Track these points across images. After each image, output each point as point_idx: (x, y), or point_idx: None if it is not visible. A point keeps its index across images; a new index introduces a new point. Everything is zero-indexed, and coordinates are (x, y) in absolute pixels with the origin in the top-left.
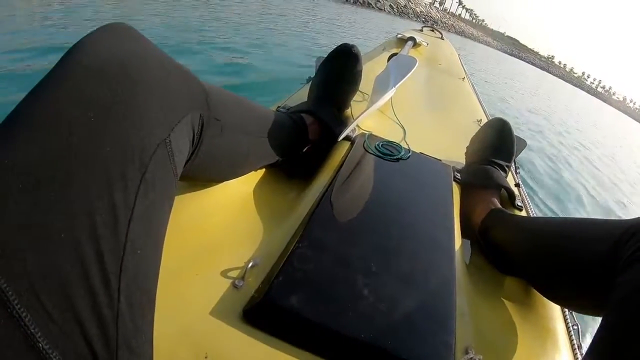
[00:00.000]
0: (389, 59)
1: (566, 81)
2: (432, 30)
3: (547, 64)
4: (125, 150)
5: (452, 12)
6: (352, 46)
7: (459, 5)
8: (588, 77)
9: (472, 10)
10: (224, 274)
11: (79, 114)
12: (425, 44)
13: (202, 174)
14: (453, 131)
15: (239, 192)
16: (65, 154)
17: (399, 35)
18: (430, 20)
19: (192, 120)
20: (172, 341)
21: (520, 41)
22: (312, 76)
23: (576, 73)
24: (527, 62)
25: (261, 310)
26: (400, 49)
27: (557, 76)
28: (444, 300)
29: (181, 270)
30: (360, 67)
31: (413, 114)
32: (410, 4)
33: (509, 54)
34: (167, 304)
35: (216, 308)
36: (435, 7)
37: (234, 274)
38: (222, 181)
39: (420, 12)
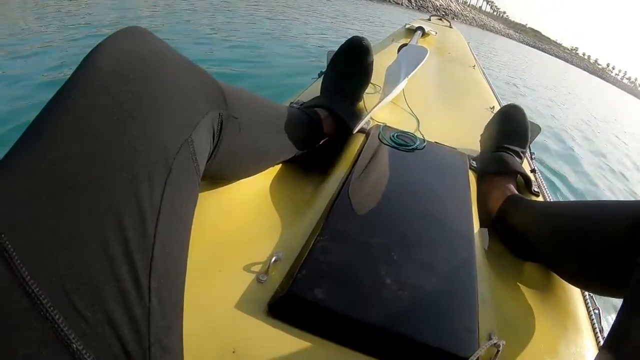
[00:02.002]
0: (399, 50)
1: (590, 73)
2: (441, 19)
3: (570, 56)
4: (149, 151)
5: (472, 5)
6: (362, 38)
7: None
8: (613, 69)
9: (492, 2)
10: (247, 269)
11: (103, 118)
12: (434, 33)
13: (222, 172)
14: (466, 119)
15: (257, 188)
16: (90, 158)
17: (408, 26)
18: (451, 13)
19: (212, 119)
20: (200, 337)
21: (543, 33)
22: (323, 70)
23: (600, 65)
24: (550, 54)
25: (286, 304)
26: (409, 39)
27: (581, 68)
28: (465, 287)
29: (205, 267)
30: (372, 59)
31: (426, 103)
32: None
33: (531, 46)
34: (193, 300)
35: (241, 303)
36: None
37: (257, 268)
38: (241, 178)
39: (440, 5)
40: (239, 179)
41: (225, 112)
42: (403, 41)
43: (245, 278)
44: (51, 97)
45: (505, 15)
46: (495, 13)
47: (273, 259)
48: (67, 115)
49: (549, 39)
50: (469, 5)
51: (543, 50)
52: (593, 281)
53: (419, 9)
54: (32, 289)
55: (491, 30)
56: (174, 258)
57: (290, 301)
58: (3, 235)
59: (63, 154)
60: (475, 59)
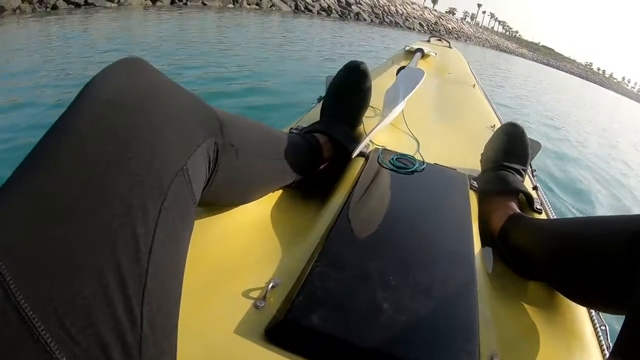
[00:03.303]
0: (397, 73)
1: (606, 87)
2: (440, 40)
3: (585, 72)
4: (144, 180)
5: (484, 26)
6: (361, 63)
7: (491, 18)
8: (629, 82)
9: (505, 22)
10: (245, 294)
11: (99, 147)
12: (434, 54)
13: (219, 198)
14: (467, 139)
15: (256, 213)
16: (86, 187)
17: (407, 48)
18: (464, 36)
19: (208, 148)
20: None
21: (556, 50)
22: (322, 95)
23: (616, 79)
24: (565, 71)
25: (283, 329)
26: (409, 62)
27: (596, 83)
28: (465, 309)
29: (202, 292)
30: (370, 83)
31: (426, 125)
32: (440, 20)
33: (545, 64)
34: (190, 326)
35: (238, 329)
36: (467, 22)
37: (255, 294)
38: (240, 205)
39: (452, 28)
40: (237, 206)
41: (222, 140)
42: (403, 63)
43: (243, 304)
44: (51, 125)
45: (518, 35)
46: (507, 33)
47: (270, 285)
48: (65, 144)
49: (563, 55)
50: (481, 27)
51: (557, 67)
52: (595, 298)
53: (430, 32)
54: (26, 312)
55: (505, 50)
56: (167, 285)
57: (287, 326)
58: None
59: (60, 183)
60: (475, 78)
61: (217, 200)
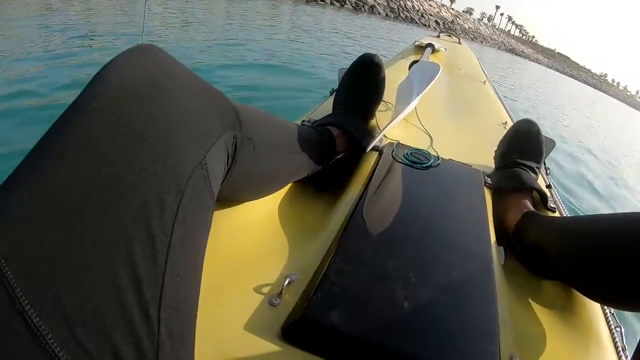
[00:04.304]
0: (410, 67)
1: (619, 100)
2: (450, 36)
3: (599, 82)
4: (161, 175)
5: (501, 29)
6: (374, 56)
7: (508, 21)
8: None
9: (522, 26)
10: (260, 291)
11: (113, 139)
12: (444, 50)
13: (235, 193)
14: (479, 135)
15: (268, 207)
16: (98, 181)
17: (417, 43)
18: (480, 37)
19: (226, 141)
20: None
21: (572, 58)
22: (335, 88)
23: (629, 92)
24: (579, 80)
25: (301, 328)
26: (419, 56)
27: (609, 95)
28: (485, 309)
29: (215, 288)
30: (383, 76)
31: (438, 120)
32: (457, 19)
33: (560, 72)
34: (203, 323)
35: (254, 327)
36: (484, 23)
37: (270, 291)
38: (254, 199)
39: (469, 28)
40: (251, 200)
41: (240, 134)
42: (413, 58)
43: (257, 300)
44: (58, 116)
45: (534, 40)
46: (524, 37)
47: (286, 282)
48: (75, 135)
49: (578, 64)
50: (497, 29)
51: (572, 76)
52: (615, 295)
53: (446, 31)
54: (33, 319)
55: (520, 55)
56: (185, 286)
57: (305, 325)
58: (3, 262)
59: (70, 176)
60: (485, 74)
61: (231, 195)
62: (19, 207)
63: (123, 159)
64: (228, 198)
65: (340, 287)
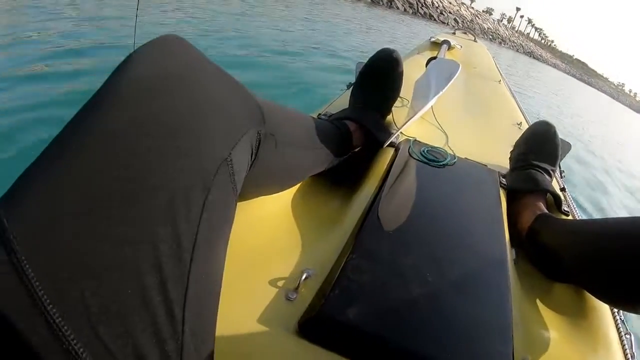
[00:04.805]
0: (427, 63)
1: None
2: (465, 33)
3: (616, 92)
4: (188, 171)
5: (520, 31)
6: (393, 51)
7: (528, 24)
8: None
9: (541, 29)
10: (276, 285)
11: (139, 133)
12: (459, 47)
13: (253, 189)
14: (494, 135)
15: (283, 201)
16: (124, 175)
17: (433, 39)
18: (499, 37)
19: (251, 137)
20: (225, 354)
21: (589, 65)
22: (352, 82)
23: None
24: (596, 89)
25: (318, 324)
26: (434, 52)
27: (625, 105)
28: (500, 310)
29: (232, 282)
30: (401, 71)
31: (453, 118)
32: (477, 19)
33: (577, 79)
34: (220, 316)
35: (270, 321)
36: (503, 24)
37: (286, 285)
38: (272, 194)
39: (488, 28)
40: (269, 194)
41: (264, 130)
42: (428, 54)
43: (273, 294)
44: (79, 108)
45: (553, 45)
46: (543, 41)
47: (303, 277)
48: (99, 128)
49: (595, 72)
50: (517, 31)
51: (589, 83)
52: (629, 297)
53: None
54: (54, 319)
55: (538, 59)
56: (209, 284)
57: (321, 321)
58: (24, 260)
59: (94, 171)
60: (500, 73)
61: (249, 190)
62: (40, 202)
63: (149, 154)
64: (246, 193)
65: (357, 284)
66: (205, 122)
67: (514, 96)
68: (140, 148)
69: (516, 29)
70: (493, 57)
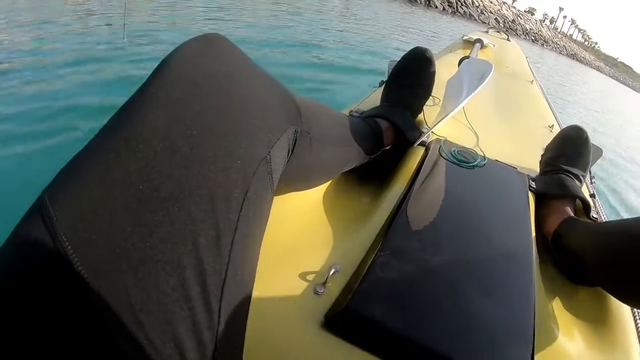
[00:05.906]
0: (459, 63)
1: None
2: (498, 32)
3: None
4: (229, 170)
5: (563, 32)
6: (426, 50)
7: (571, 24)
8: None
9: (585, 31)
10: (305, 279)
11: (182, 131)
12: (492, 46)
13: (286, 185)
14: (525, 137)
15: (314, 197)
16: (168, 172)
17: (465, 37)
18: (541, 39)
19: (289, 136)
20: (253, 344)
21: (634, 69)
22: (384, 80)
23: None
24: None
25: (344, 319)
26: (466, 51)
27: None
28: (523, 313)
29: (261, 275)
30: (434, 71)
31: (484, 118)
32: (519, 19)
33: (621, 83)
34: (250, 307)
35: (297, 314)
36: (545, 25)
37: (315, 279)
38: (305, 190)
39: (530, 29)
40: (301, 190)
41: (300, 128)
42: (461, 52)
43: (302, 288)
44: (123, 104)
45: (597, 47)
46: (586, 43)
47: (332, 272)
48: (143, 124)
49: None
50: (560, 32)
51: (633, 88)
52: None
53: (506, 30)
54: (102, 306)
55: (581, 62)
56: (244, 279)
57: (348, 316)
58: (72, 251)
59: (141, 166)
60: (533, 74)
61: (283, 186)
62: (89, 195)
63: (192, 151)
64: (279, 189)
65: (385, 282)
66: (247, 122)
67: (546, 97)
68: (182, 146)
69: (559, 29)
70: (526, 57)
